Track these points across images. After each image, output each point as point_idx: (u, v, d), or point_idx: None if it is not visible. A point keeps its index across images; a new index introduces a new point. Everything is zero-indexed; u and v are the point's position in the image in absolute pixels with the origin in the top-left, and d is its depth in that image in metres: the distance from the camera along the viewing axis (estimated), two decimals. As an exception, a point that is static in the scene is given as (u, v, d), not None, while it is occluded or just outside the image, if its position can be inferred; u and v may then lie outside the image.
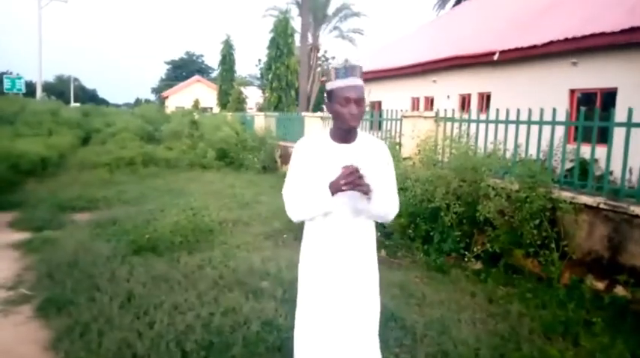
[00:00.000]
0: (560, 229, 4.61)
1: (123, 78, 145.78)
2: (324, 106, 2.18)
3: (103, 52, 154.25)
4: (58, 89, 55.54)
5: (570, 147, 6.47)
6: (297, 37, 20.18)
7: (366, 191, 2.01)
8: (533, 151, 5.26)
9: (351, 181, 1.96)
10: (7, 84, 29.25)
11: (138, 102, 57.61)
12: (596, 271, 4.35)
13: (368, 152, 2.14)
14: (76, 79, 63.81)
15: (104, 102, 59.63)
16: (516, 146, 5.45)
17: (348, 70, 2.06)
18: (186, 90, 43.49)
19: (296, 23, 22.14)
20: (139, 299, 3.90)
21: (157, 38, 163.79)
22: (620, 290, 4.11)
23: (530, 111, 5.36)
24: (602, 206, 4.30)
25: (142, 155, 12.92)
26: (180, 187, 9.76)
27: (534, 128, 5.27)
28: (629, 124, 4.35)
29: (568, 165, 5.72)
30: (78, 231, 6.16)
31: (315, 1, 25.89)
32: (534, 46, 10.02)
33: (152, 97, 64.40)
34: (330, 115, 2.13)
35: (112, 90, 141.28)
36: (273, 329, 3.46)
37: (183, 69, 62.84)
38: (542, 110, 5.17)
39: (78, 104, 36.48)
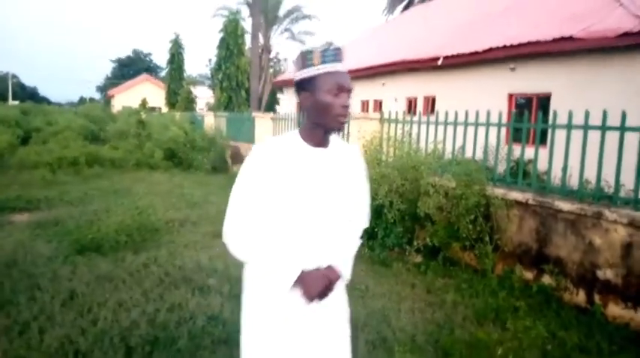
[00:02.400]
0: (494, 223, 4.93)
1: (66, 76, 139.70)
2: (300, 100, 1.67)
3: (44, 48, 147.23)
4: (-5, 86, 52.66)
5: (513, 147, 6.87)
6: (248, 38, 20.15)
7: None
8: (477, 151, 5.57)
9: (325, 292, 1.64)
10: (-64, 79, 27.44)
11: (82, 101, 55.50)
12: (526, 262, 4.68)
13: (344, 159, 1.75)
14: (14, 76, 60.70)
15: (45, 100, 56.95)
16: (454, 146, 5.75)
17: (337, 52, 1.63)
18: (134, 90, 42.33)
19: (247, 24, 22.12)
20: (82, 298, 3.86)
21: (103, 35, 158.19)
22: (546, 279, 4.44)
23: (466, 113, 5.67)
24: (530, 201, 4.63)
25: (85, 155, 12.51)
26: (127, 187, 9.56)
27: (473, 129, 5.57)
28: (553, 126, 4.70)
29: (510, 164, 6.08)
30: (17, 231, 5.95)
31: (265, 3, 25.90)
32: (475, 52, 10.50)
33: (97, 96, 62.23)
34: (305, 112, 1.68)
35: (53, 88, 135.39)
36: (219, 323, 3.52)
37: (131, 67, 61.09)
38: (477, 113, 5.48)
39: (17, 102, 34.76)
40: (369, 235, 5.76)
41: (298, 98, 1.68)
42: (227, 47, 18.56)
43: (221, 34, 18.96)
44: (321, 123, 1.64)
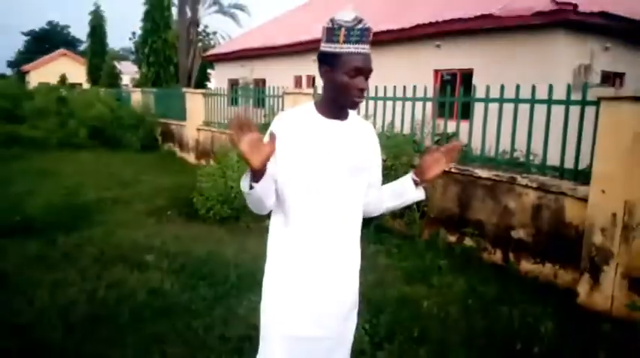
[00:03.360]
0: (421, 192, 5.26)
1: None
2: (320, 74, 1.66)
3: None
4: None
5: (438, 121, 7.29)
6: (174, 12, 19.42)
7: None
8: (405, 125, 5.84)
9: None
10: None
11: (-9, 76, 51.07)
12: (450, 226, 5.07)
13: (360, 132, 1.76)
14: None
15: (-54, 76, 51.88)
16: (384, 121, 6.01)
17: (364, 33, 1.60)
18: (51, 65, 39.59)
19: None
20: (15, 279, 3.76)
21: (13, 5, 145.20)
22: (467, 241, 4.84)
23: (394, 88, 5.93)
24: (453, 170, 4.99)
25: (2, 135, 11.77)
26: (51, 168, 9.12)
27: (401, 104, 5.85)
28: (472, 100, 5.06)
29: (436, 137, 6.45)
30: None
31: (192, -26, 24.93)
32: (403, 29, 10.84)
33: (9, 72, 57.48)
34: (323, 84, 1.68)
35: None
36: (159, 297, 3.58)
37: (47, 41, 56.76)
38: (404, 88, 5.75)
39: None
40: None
41: (319, 68, 1.67)
42: (153, 20, 17.79)
43: (146, 7, 18.12)
44: (335, 100, 1.65)
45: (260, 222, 5.88)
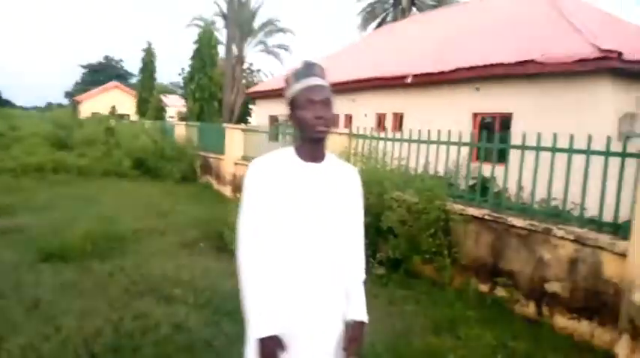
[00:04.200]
0: (453, 238, 5.15)
1: (33, 79, 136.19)
2: (288, 119, 1.79)
3: (10, 50, 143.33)
4: (-44, 88, 50.90)
5: (474, 165, 7.20)
6: (222, 49, 20.24)
7: None
8: (440, 168, 5.80)
9: None
10: None
11: (49, 106, 54.16)
12: (481, 275, 4.91)
13: (340, 176, 1.80)
14: (-23, 78, 58.76)
15: (9, 104, 55.35)
16: (419, 163, 5.99)
17: (307, 68, 1.74)
18: (103, 96, 41.59)
19: (221, 35, 22.21)
20: (47, 306, 3.87)
21: (73, 40, 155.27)
22: (499, 292, 4.68)
23: (429, 132, 5.92)
24: (486, 217, 4.88)
25: (52, 161, 12.34)
26: (93, 195, 9.47)
27: (438, 147, 5.82)
28: (508, 146, 4.99)
29: (472, 181, 6.36)
30: (-22, 238, 5.86)
31: (240, 15, 26.06)
32: (442, 72, 10.90)
33: (65, 102, 60.83)
34: (295, 127, 1.78)
35: (19, 91, 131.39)
36: (184, 331, 3.60)
37: (101, 74, 60.02)
38: (439, 132, 5.74)
39: (-21, 105, 33.68)
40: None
41: (288, 119, 1.79)
42: (201, 58, 18.61)
43: (195, 45, 19.01)
44: (304, 138, 1.73)
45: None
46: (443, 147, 5.72)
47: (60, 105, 52.44)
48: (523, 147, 4.81)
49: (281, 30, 28.59)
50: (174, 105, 30.30)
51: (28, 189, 9.74)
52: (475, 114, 10.57)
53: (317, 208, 1.70)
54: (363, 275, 1.91)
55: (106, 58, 63.86)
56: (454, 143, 5.56)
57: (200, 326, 3.74)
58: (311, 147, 1.73)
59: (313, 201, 1.70)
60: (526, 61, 8.83)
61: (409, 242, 5.26)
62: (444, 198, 5.25)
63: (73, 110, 37.94)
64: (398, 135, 6.50)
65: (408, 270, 5.36)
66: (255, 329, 1.61)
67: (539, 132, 4.69)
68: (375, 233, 5.65)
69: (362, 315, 1.84)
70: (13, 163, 11.80)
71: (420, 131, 6.04)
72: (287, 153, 1.74)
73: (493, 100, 9.96)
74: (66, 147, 15.42)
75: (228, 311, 4.02)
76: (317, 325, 1.72)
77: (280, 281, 1.67)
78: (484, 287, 4.84)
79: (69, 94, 62.37)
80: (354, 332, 1.78)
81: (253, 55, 45.21)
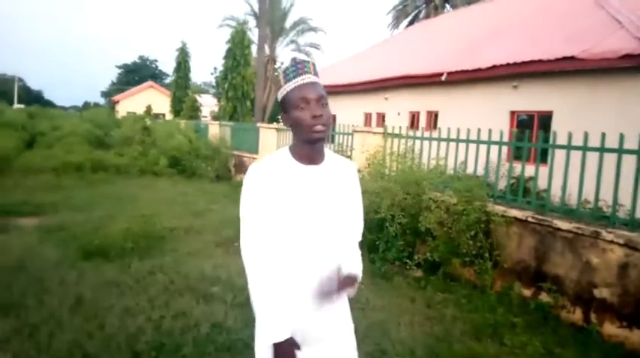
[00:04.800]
0: (494, 240, 5.01)
1: (71, 80, 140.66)
2: (281, 120, 1.77)
3: (50, 52, 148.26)
4: (0, 89, 52.98)
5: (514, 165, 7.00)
6: (254, 49, 20.37)
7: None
8: (478, 168, 5.66)
9: None
10: (-56, 81, 27.68)
11: (87, 105, 55.75)
12: (524, 279, 4.76)
13: (339, 175, 1.76)
14: (20, 79, 61.06)
15: (50, 104, 57.28)
16: (456, 162, 5.86)
17: (298, 67, 1.66)
18: (139, 96, 42.54)
19: (253, 34, 22.35)
20: (89, 303, 3.95)
21: (109, 41, 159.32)
22: (544, 297, 4.51)
23: (468, 131, 5.78)
24: (530, 219, 4.72)
25: (90, 160, 12.67)
26: (131, 194, 9.67)
27: (475, 146, 5.68)
28: (553, 146, 4.81)
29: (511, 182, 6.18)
30: (24, 236, 6.05)
31: (272, 14, 26.19)
32: (479, 69, 10.66)
33: (102, 101, 62.58)
34: (289, 128, 1.72)
35: (59, 92, 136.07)
36: (223, 331, 3.61)
37: (136, 73, 61.46)
38: (479, 130, 5.59)
39: (22, 105, 34.93)
40: (370, 248, 5.84)
41: (282, 119, 1.76)
42: (234, 57, 18.76)
43: (228, 45, 19.19)
44: (302, 139, 1.66)
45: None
46: (481, 147, 5.57)
47: (97, 105, 53.97)
48: (569, 147, 4.63)
49: (312, 29, 28.67)
50: (208, 104, 30.74)
51: (68, 188, 10.03)
52: (512, 113, 10.30)
53: (319, 212, 1.67)
54: (359, 238, 1.91)
55: (141, 58, 65.31)
56: (494, 142, 5.40)
57: (239, 325, 3.74)
58: (309, 148, 1.67)
59: (315, 205, 1.66)
60: (567, 58, 8.54)
61: (448, 244, 5.15)
62: (485, 199, 5.12)
63: (111, 109, 38.98)
64: (432, 134, 6.37)
65: (447, 273, 5.24)
66: (271, 335, 1.59)
67: (586, 131, 4.50)
68: (413, 234, 5.56)
69: (357, 270, 1.81)
70: (55, 162, 12.17)
71: (458, 130, 5.90)
72: (284, 157, 1.69)
73: (532, 98, 9.68)
74: (104, 146, 15.83)
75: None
76: (325, 323, 1.73)
77: (287, 283, 1.65)
78: (527, 292, 4.69)
79: (105, 94, 64.15)
80: (346, 279, 1.74)
81: (285, 54, 45.44)
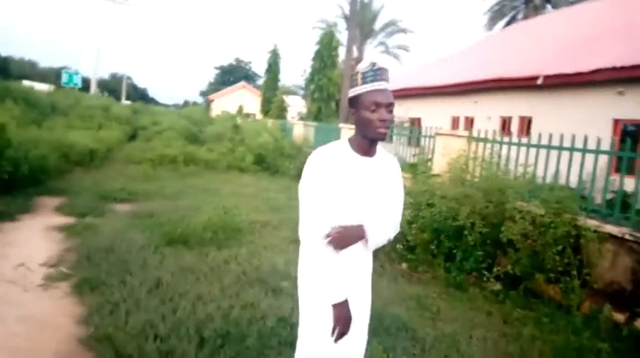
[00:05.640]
0: (584, 257, 4.59)
1: (174, 80, 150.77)
2: (351, 116, 1.93)
3: (156, 53, 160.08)
4: (112, 86, 57.94)
5: (613, 177, 6.38)
6: (342, 50, 20.51)
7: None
8: (572, 178, 5.23)
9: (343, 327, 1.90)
10: (64, 78, 30.84)
11: (186, 103, 59.43)
12: (617, 302, 4.31)
13: (388, 168, 2.01)
14: (128, 78, 66.35)
15: (153, 101, 61.75)
16: (546, 171, 5.45)
17: (377, 72, 1.84)
18: (232, 95, 44.56)
19: (343, 37, 22.51)
20: (166, 287, 4.15)
21: (209, 44, 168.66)
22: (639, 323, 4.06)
23: (561, 136, 5.35)
24: (627, 237, 4.27)
25: (184, 154, 13.44)
26: (217, 187, 10.12)
27: (572, 155, 5.24)
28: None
29: (610, 195, 5.65)
30: (117, 219, 6.53)
31: (362, 16, 26.20)
32: (580, 73, 9.88)
33: (200, 100, 66.30)
34: (354, 125, 1.93)
35: (162, 90, 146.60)
36: (288, 326, 3.62)
37: (231, 74, 64.41)
38: (574, 137, 5.16)
39: (129, 102, 37.96)
40: (446, 256, 5.61)
41: (351, 113, 1.93)
42: (321, 59, 19.03)
43: (316, 47, 19.50)
44: (365, 135, 1.88)
45: (396, 265, 5.72)
46: (576, 156, 5.14)
47: (195, 103, 57.30)
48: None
49: (402, 30, 28.31)
50: (296, 105, 31.49)
51: (162, 178, 10.71)
52: (616, 121, 9.41)
53: (369, 197, 1.91)
54: (396, 228, 2.08)
55: (237, 59, 68.38)
56: (590, 151, 4.96)
57: (304, 322, 3.73)
58: (368, 144, 1.90)
59: (366, 191, 1.90)
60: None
61: (532, 258, 4.80)
62: (576, 212, 4.71)
63: (206, 108, 41.19)
64: (525, 141, 5.97)
65: (528, 289, 4.89)
66: (332, 297, 1.87)
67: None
68: (493, 245, 5.26)
69: (371, 229, 1.97)
70: (152, 154, 13.07)
71: (550, 135, 5.50)
72: (344, 148, 1.92)
73: (640, 106, 8.78)
74: (197, 142, 16.71)
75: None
76: (359, 293, 2.00)
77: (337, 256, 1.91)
78: (619, 316, 4.24)
79: (203, 93, 67.86)
80: (355, 229, 1.94)
81: (374, 55, 45.31)
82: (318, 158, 1.86)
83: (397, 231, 2.10)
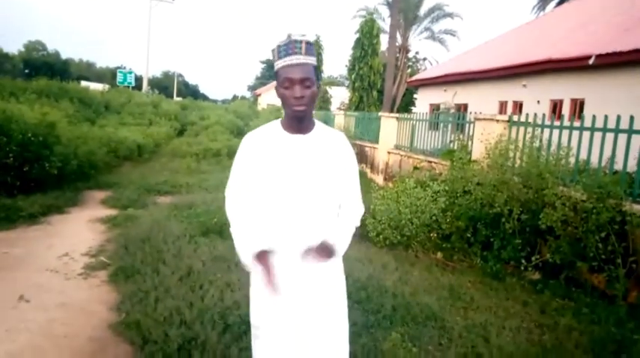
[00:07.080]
0: (630, 244, 4.31)
1: (223, 75, 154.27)
2: (276, 91, 1.88)
3: (206, 50, 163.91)
4: (164, 84, 59.95)
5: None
6: (385, 38, 20.19)
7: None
8: (630, 162, 4.88)
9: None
10: (119, 77, 32.17)
11: (234, 98, 60.54)
12: (667, 292, 4.03)
13: (325, 144, 1.88)
14: (180, 75, 68.51)
15: (204, 97, 63.34)
16: (601, 156, 5.15)
17: (289, 46, 1.75)
18: (279, 89, 44.85)
19: (386, 24, 22.15)
20: (197, 275, 4.24)
21: (256, 38, 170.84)
22: (692, 316, 3.77)
23: (618, 118, 5.03)
24: (679, 223, 3.97)
25: (227, 147, 13.71)
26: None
27: (615, 136, 4.92)
28: None
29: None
30: (157, 211, 6.75)
31: (406, 2, 25.66)
32: (636, 51, 9.25)
33: (247, 94, 67.39)
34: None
35: (212, 86, 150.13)
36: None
37: (277, 68, 64.85)
38: (632, 118, 4.84)
39: (180, 98, 39.11)
40: (482, 245, 5.44)
41: None
42: (362, 47, 18.76)
43: (357, 35, 19.26)
44: (286, 112, 1.84)
45: (430, 254, 5.59)
46: (635, 138, 4.77)
47: (243, 98, 58.30)
48: None
49: (448, 15, 27.48)
50: (340, 96, 31.41)
51: (204, 171, 10.98)
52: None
53: (300, 176, 1.82)
54: (359, 214, 2.01)
55: (282, 53, 68.76)
56: (636, 131, 4.63)
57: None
58: (294, 120, 1.83)
59: (296, 169, 1.82)
60: None
61: (573, 245, 4.56)
62: (620, 197, 4.42)
63: (253, 102, 41.81)
64: (577, 124, 5.62)
65: (569, 278, 4.66)
66: (246, 250, 1.86)
67: None
68: (533, 232, 5.04)
69: (334, 240, 1.87)
70: (197, 148, 13.42)
71: (593, 116, 5.17)
72: (275, 127, 1.89)
73: None
74: (242, 135, 16.99)
75: (359, 299, 3.94)
76: (305, 281, 1.88)
77: (265, 232, 1.87)
78: (669, 308, 3.96)
79: (251, 88, 68.94)
80: (320, 247, 1.83)
81: (417, 42, 44.32)
82: (247, 136, 1.91)
83: (362, 210, 2.03)
